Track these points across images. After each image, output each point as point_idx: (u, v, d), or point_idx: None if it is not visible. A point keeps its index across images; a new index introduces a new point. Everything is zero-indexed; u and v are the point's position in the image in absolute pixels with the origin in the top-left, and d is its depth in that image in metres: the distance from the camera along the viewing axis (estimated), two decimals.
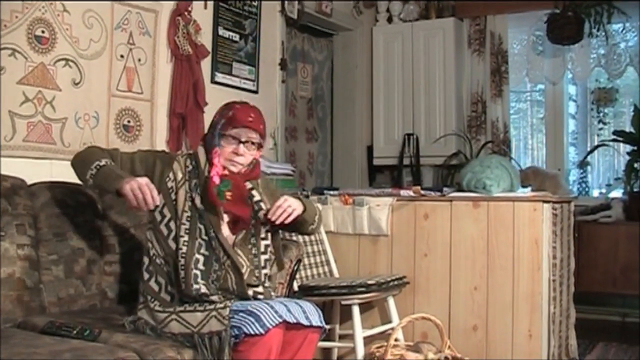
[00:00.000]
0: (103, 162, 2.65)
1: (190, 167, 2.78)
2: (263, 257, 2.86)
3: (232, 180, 2.74)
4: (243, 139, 2.76)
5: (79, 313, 2.97)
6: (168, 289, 2.70)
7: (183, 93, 4.16)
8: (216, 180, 2.69)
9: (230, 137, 2.76)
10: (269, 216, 2.79)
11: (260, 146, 2.84)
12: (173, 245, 2.68)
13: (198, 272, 2.64)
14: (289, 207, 2.79)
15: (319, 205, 4.13)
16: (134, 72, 3.86)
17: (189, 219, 2.70)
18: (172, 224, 2.70)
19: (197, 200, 2.73)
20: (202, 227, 2.71)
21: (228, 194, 2.71)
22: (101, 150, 2.79)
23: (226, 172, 2.75)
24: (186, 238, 2.67)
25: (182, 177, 2.76)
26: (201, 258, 2.67)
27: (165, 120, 4.11)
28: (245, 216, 2.79)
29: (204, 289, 2.64)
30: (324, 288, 3.56)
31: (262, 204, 2.85)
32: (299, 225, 2.94)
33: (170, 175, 2.76)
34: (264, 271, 2.84)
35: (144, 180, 2.58)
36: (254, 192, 2.87)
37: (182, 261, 2.64)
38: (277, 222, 2.81)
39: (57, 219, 3.06)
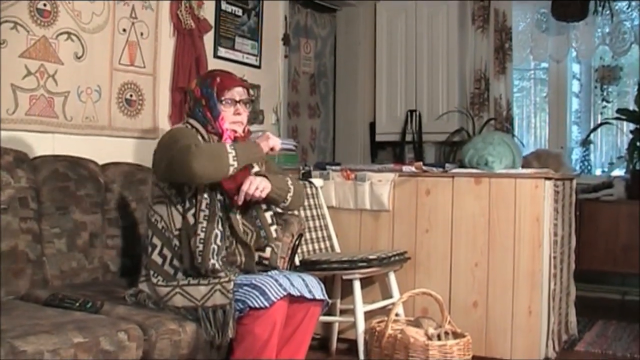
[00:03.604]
0: (229, 146, 2.66)
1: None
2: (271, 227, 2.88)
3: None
4: (238, 98, 2.86)
5: (81, 286, 2.99)
6: (173, 263, 2.71)
7: (185, 67, 4.15)
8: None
9: (228, 101, 2.84)
10: (238, 202, 2.72)
11: (247, 102, 2.93)
12: (192, 219, 2.68)
13: (215, 247, 2.65)
14: (256, 189, 2.71)
15: (320, 181, 4.13)
16: (136, 46, 3.85)
17: (209, 193, 2.70)
18: (193, 199, 2.70)
19: None
20: (219, 203, 2.72)
21: None
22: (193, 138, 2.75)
23: (237, 134, 2.84)
24: (207, 212, 2.68)
25: None
26: (219, 233, 2.68)
27: (168, 94, 4.10)
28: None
29: (217, 265, 2.65)
30: (325, 263, 3.57)
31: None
32: (270, 202, 2.87)
33: None
34: (272, 234, 2.85)
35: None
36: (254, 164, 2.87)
37: (202, 235, 2.65)
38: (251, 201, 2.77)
39: (59, 193, 3.07)
